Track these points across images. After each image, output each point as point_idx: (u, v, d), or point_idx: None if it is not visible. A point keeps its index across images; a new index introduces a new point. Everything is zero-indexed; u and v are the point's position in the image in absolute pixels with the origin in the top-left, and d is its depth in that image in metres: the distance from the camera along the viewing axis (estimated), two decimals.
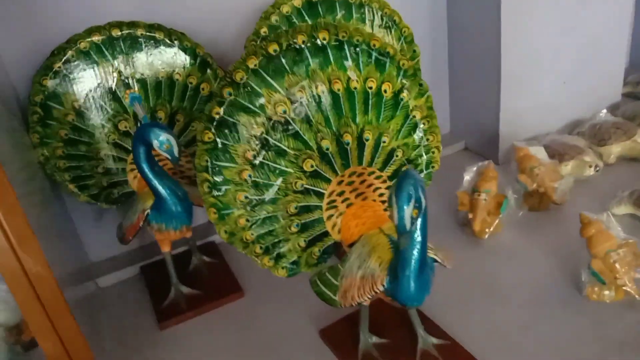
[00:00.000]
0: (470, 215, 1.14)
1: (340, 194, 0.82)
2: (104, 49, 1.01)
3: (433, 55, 1.45)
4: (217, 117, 0.74)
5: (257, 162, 0.76)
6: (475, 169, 1.18)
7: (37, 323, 0.70)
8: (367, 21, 1.04)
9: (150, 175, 0.92)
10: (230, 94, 0.74)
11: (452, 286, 1.00)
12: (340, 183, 0.82)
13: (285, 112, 0.76)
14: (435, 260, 0.75)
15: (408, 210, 0.63)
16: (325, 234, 0.83)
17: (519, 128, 1.38)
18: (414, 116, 0.84)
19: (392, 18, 1.06)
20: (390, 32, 1.07)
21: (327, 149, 0.79)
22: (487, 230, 1.13)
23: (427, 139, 0.86)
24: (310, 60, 0.76)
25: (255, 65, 0.74)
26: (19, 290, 0.67)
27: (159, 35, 1.02)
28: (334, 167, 0.81)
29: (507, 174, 1.21)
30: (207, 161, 0.75)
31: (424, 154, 0.87)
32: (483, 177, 1.15)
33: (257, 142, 0.76)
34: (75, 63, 1.00)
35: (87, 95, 1.01)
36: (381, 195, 0.84)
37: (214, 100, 0.74)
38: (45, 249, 0.68)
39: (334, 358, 0.90)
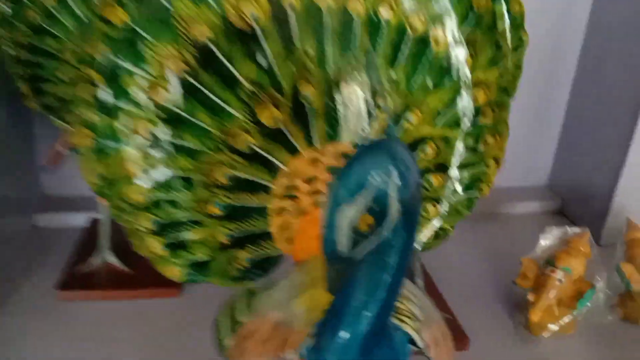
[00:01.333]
0: (532, 298, 0.76)
1: (310, 180, 0.49)
2: None
3: (550, 64, 1.07)
4: None
5: (182, 79, 0.45)
6: (559, 234, 0.79)
7: None
8: None
9: None
10: None
11: None
12: (314, 162, 0.49)
13: (256, 18, 0.45)
14: (413, 342, 0.40)
15: (346, 212, 0.29)
16: (265, 236, 0.50)
17: None
18: (475, 97, 0.50)
19: None
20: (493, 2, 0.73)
21: (306, 99, 0.47)
22: (549, 326, 0.74)
23: (485, 142, 0.51)
24: None
25: None
26: None
27: None
28: (308, 133, 0.48)
29: (605, 259, 0.81)
30: (104, 55, 0.45)
31: (471, 163, 0.52)
32: (568, 249, 0.76)
33: (194, 51, 0.45)
34: None
35: None
36: None
37: None
38: None
39: None
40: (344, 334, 0.36)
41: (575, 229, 0.79)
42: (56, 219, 0.95)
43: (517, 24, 0.74)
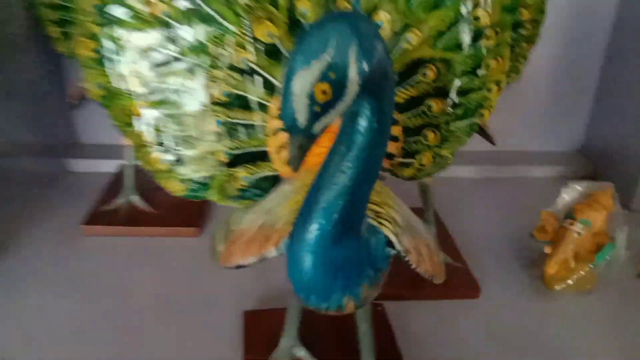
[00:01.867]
0: (548, 250, 0.74)
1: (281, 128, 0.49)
2: None
3: (584, 30, 1.02)
4: None
5: None
6: (582, 188, 0.76)
7: None
8: None
9: None
10: None
11: (461, 344, 0.64)
12: None
13: None
14: (391, 244, 0.40)
15: (304, 78, 0.30)
16: (263, 156, 0.51)
17: None
18: (477, 18, 0.48)
19: None
20: None
21: (304, 16, 0.47)
22: (565, 280, 0.72)
23: (487, 65, 0.50)
24: None
25: None
26: None
27: None
28: None
29: (632, 219, 0.78)
30: None
31: (473, 87, 0.50)
32: (589, 202, 0.74)
33: None
34: None
35: None
36: None
37: None
38: None
39: (239, 346, 0.61)
40: (312, 227, 0.36)
41: (599, 184, 0.76)
42: (88, 165, 0.99)
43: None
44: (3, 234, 0.78)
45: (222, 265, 0.45)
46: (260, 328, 0.62)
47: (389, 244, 0.41)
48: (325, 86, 0.30)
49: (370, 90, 0.33)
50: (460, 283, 0.72)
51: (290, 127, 0.32)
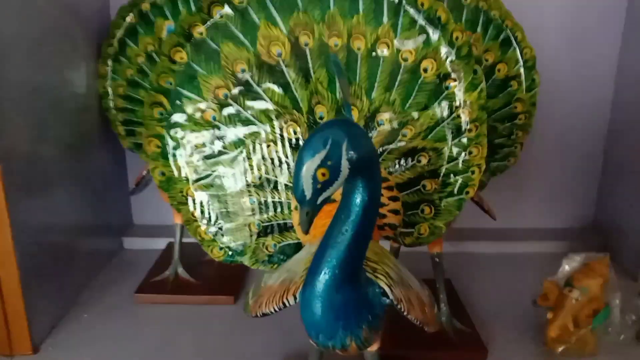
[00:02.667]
0: (550, 315, 0.80)
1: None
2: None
3: (585, 114, 1.13)
4: (197, 36, 0.61)
5: (227, 104, 0.61)
6: (580, 258, 0.84)
7: None
8: (479, 28, 0.83)
9: None
10: (221, 16, 0.61)
11: None
12: None
13: (280, 54, 0.60)
14: (386, 295, 0.50)
15: (309, 165, 0.42)
16: (287, 227, 0.63)
17: None
18: (459, 116, 0.61)
19: (513, 32, 0.84)
20: (507, 49, 0.84)
21: (321, 118, 0.61)
22: (566, 343, 0.78)
23: (470, 152, 0.61)
24: (331, 1, 0.60)
25: None
26: None
27: None
28: None
29: (630, 291, 0.85)
30: (169, 83, 0.62)
31: (458, 171, 0.62)
32: (586, 271, 0.81)
33: (234, 81, 0.61)
34: (162, 7, 0.98)
35: (161, 41, 0.98)
36: (380, 206, 0.61)
37: (198, 14, 0.61)
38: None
39: None
40: (318, 277, 0.47)
41: (596, 254, 0.83)
42: (140, 242, 1.13)
43: (530, 67, 0.85)
44: (68, 301, 0.90)
45: (251, 315, 0.56)
46: None
47: (384, 294, 0.51)
48: (324, 170, 0.42)
49: (361, 173, 0.44)
50: (469, 346, 0.80)
51: (300, 200, 0.43)
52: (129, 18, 0.98)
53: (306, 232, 0.45)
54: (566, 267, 0.85)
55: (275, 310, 0.52)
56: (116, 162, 1.11)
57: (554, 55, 1.05)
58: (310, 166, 0.42)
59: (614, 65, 1.10)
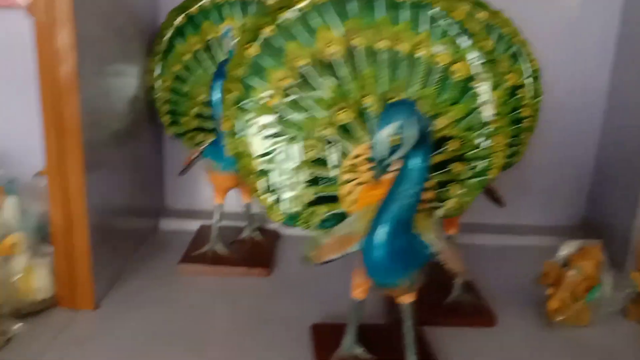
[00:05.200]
0: (550, 291, 0.92)
1: (369, 160, 0.73)
2: (239, 8, 1.08)
3: (577, 121, 1.27)
4: (267, 34, 0.73)
5: (289, 93, 0.72)
6: (577, 244, 0.96)
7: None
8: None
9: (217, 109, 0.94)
10: (287, 19, 0.73)
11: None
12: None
13: (335, 53, 0.72)
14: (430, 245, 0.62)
15: (385, 132, 0.53)
16: (336, 198, 0.74)
17: None
18: (484, 109, 0.72)
19: (519, 47, 0.96)
20: (515, 62, 0.97)
21: (369, 106, 0.72)
22: (564, 313, 0.90)
23: (493, 140, 0.73)
24: (382, 10, 0.72)
25: None
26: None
27: None
28: (368, 130, 0.73)
29: (621, 275, 0.97)
30: (245, 72, 0.73)
31: (481, 157, 0.73)
32: (582, 254, 0.93)
33: (295, 74, 0.72)
34: (209, 12, 1.09)
35: (208, 42, 1.08)
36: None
37: (269, 16, 0.73)
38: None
39: (307, 356, 0.79)
40: (381, 226, 0.58)
41: (590, 241, 0.96)
42: (174, 224, 1.23)
43: (535, 77, 0.97)
44: (119, 269, 1.00)
45: (314, 262, 0.67)
46: (328, 338, 0.80)
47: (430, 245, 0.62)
48: (396, 137, 0.54)
49: (419, 142, 0.56)
50: (481, 314, 0.91)
51: (378, 157, 0.55)
52: (178, 20, 1.09)
53: (378, 180, 0.57)
54: (563, 251, 0.97)
55: (338, 257, 0.63)
56: (155, 149, 1.21)
57: (551, 65, 1.18)
58: (387, 132, 0.54)
59: (606, 75, 1.24)
